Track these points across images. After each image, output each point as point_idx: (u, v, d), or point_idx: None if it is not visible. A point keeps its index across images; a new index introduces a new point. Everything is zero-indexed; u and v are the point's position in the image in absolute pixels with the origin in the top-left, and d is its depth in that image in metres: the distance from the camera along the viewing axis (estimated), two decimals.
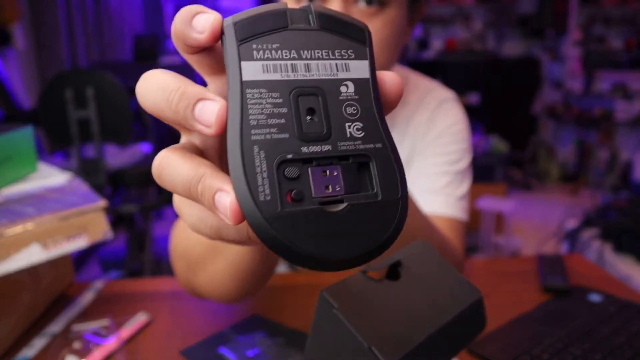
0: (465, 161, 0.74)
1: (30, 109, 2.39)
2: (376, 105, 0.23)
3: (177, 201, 0.27)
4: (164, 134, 2.85)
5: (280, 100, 0.21)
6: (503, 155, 3.53)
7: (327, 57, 0.23)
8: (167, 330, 0.58)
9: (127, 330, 0.56)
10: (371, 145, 0.22)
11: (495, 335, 0.57)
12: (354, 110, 0.23)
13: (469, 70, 4.28)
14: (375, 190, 0.22)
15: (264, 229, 0.19)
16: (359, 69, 0.23)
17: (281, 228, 0.19)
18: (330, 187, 0.21)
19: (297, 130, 0.21)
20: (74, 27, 3.06)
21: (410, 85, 0.77)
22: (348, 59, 0.23)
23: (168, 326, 0.59)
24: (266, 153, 0.20)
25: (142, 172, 1.92)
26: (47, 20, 2.83)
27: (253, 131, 0.20)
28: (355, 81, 0.23)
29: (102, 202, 0.59)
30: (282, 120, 0.21)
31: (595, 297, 0.66)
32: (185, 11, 0.22)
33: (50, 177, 0.65)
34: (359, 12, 0.60)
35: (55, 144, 1.94)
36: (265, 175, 0.20)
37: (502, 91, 4.31)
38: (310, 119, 0.22)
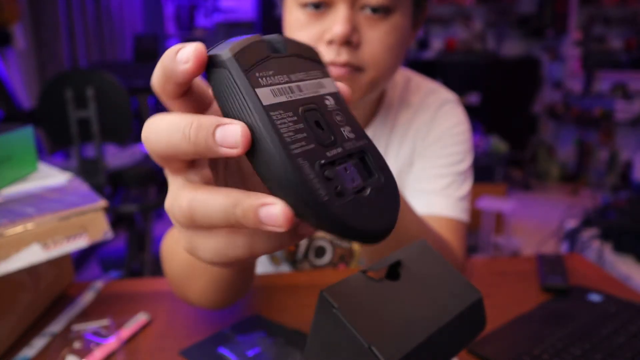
0: (466, 163, 0.74)
1: (30, 109, 2.39)
2: (349, 110, 0.28)
3: (188, 242, 0.27)
4: None
5: (296, 118, 0.25)
6: (503, 155, 3.53)
7: (307, 78, 0.27)
8: (167, 331, 0.58)
9: (127, 330, 0.56)
10: (362, 142, 0.27)
11: (495, 335, 0.57)
12: (340, 117, 0.27)
13: (469, 71, 4.28)
14: (377, 176, 0.26)
15: (335, 221, 0.23)
16: (328, 84, 0.28)
17: (346, 217, 0.23)
18: (353, 179, 0.25)
19: (317, 140, 0.25)
20: (74, 27, 3.06)
21: (412, 87, 0.77)
22: (319, 77, 0.28)
23: (168, 326, 0.59)
24: (309, 162, 0.23)
25: (142, 172, 1.92)
26: (47, 20, 2.83)
27: (292, 146, 0.23)
28: (331, 95, 0.27)
29: (102, 202, 0.59)
30: (304, 134, 0.24)
31: (595, 297, 0.66)
32: (169, 51, 0.24)
33: (50, 177, 0.65)
34: (365, 19, 0.60)
35: (55, 144, 1.94)
36: (317, 180, 0.23)
37: (502, 91, 4.31)
38: (320, 130, 0.25)
